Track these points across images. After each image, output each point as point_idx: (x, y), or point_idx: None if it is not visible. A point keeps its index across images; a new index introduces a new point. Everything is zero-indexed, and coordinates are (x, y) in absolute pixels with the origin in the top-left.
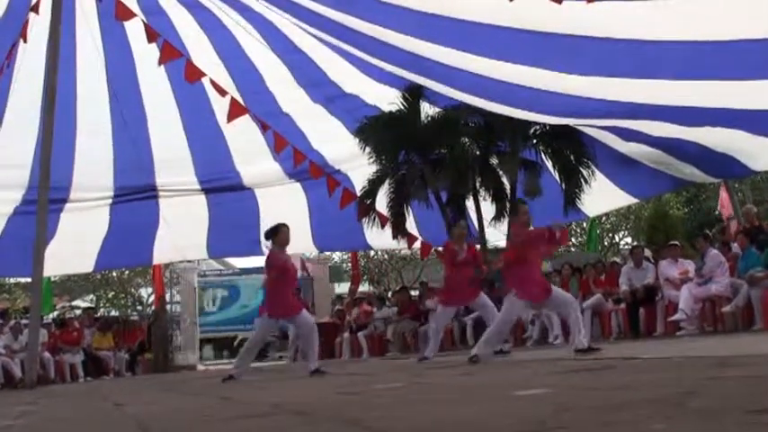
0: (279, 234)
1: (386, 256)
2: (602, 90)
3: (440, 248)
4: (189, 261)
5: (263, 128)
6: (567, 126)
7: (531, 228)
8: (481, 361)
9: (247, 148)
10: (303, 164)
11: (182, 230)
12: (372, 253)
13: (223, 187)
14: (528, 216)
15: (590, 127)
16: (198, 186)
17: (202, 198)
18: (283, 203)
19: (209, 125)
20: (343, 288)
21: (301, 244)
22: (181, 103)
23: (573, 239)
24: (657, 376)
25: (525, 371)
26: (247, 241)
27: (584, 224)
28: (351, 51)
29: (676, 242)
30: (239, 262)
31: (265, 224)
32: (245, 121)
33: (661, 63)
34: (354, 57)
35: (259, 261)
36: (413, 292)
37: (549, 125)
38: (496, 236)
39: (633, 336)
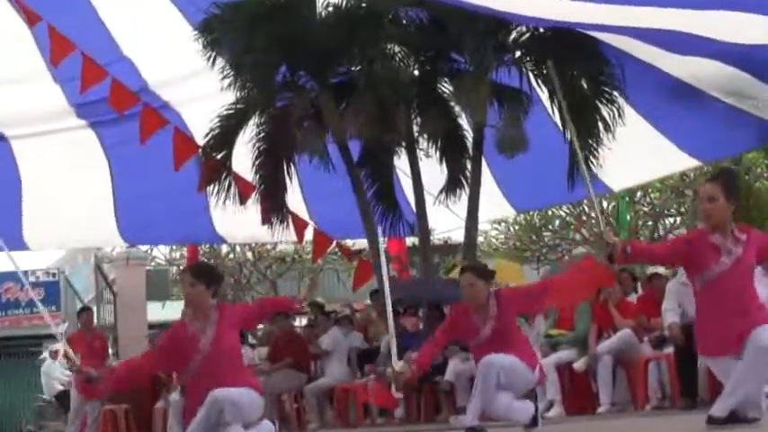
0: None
1: (249, 256)
2: None
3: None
4: None
5: (30, 19)
6: (574, 30)
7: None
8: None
9: None
10: (101, 86)
11: None
12: (226, 249)
13: None
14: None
15: (617, 33)
16: None
17: None
18: (63, 163)
19: None
20: (171, 311)
21: (97, 234)
22: None
23: (584, 231)
24: None
25: None
26: None
27: (605, 204)
28: None
29: None
30: None
31: (31, 201)
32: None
33: None
34: None
35: (22, 261)
36: (298, 321)
37: (545, 27)
38: (450, 221)
39: (687, 403)
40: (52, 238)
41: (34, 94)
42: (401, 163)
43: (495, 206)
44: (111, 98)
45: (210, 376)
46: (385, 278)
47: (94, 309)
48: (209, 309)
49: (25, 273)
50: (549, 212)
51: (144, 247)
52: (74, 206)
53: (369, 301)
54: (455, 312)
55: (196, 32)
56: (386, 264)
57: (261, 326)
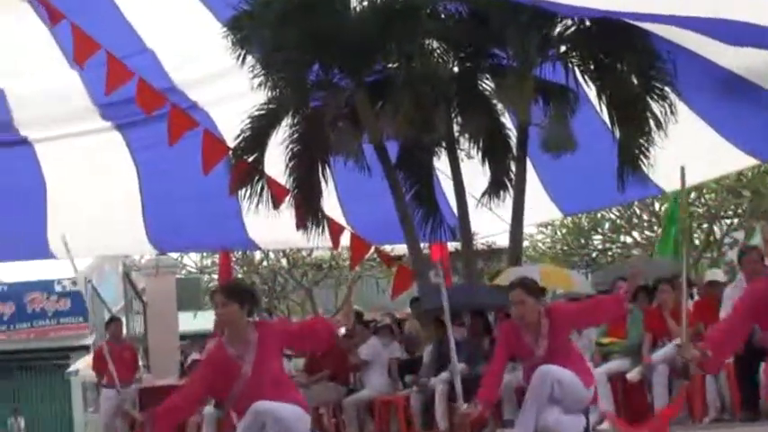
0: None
1: (284, 263)
2: None
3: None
4: None
5: (53, 17)
6: (622, 22)
7: None
8: None
9: (20, 55)
10: (127, 87)
11: None
12: (259, 256)
13: None
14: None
15: (667, 23)
16: None
17: None
18: (89, 167)
19: None
20: (203, 321)
21: (125, 240)
22: None
23: (636, 234)
24: None
25: None
26: (22, 236)
27: (657, 206)
28: None
29: None
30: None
31: (56, 207)
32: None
33: None
34: None
35: (48, 270)
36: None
37: (592, 19)
38: (492, 225)
39: (748, 415)
40: (78, 246)
41: (57, 94)
42: (441, 164)
43: (541, 209)
44: (139, 98)
45: (254, 401)
46: (443, 288)
47: (123, 319)
48: (245, 329)
49: (51, 282)
50: (599, 215)
51: (174, 255)
52: (100, 212)
53: (409, 310)
54: (504, 333)
55: (225, 29)
56: (441, 272)
57: None
